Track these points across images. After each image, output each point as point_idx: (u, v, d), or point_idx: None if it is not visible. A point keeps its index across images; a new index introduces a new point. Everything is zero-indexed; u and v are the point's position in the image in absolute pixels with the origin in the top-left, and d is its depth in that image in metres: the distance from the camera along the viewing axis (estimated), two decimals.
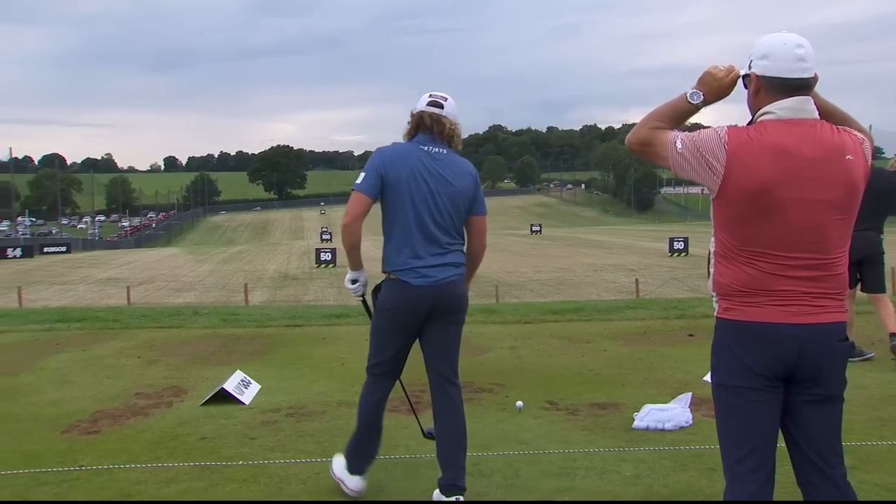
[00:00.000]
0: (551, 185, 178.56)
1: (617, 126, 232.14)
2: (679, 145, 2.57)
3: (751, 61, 2.60)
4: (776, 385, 2.54)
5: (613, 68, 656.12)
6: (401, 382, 4.31)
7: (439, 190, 3.80)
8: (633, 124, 2.92)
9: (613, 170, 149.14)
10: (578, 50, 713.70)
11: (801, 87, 2.53)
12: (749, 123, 2.60)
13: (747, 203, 2.47)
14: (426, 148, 3.85)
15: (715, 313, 2.65)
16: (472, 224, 3.99)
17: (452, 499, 3.80)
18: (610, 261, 37.08)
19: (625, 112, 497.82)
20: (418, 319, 3.93)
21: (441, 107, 3.88)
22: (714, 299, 2.66)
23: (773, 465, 2.58)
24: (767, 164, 2.45)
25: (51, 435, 5.21)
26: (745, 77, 2.64)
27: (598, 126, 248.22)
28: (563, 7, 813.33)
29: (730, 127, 2.57)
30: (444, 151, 3.87)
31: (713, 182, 2.51)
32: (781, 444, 2.63)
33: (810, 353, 2.48)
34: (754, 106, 2.61)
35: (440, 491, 3.83)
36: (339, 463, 4.12)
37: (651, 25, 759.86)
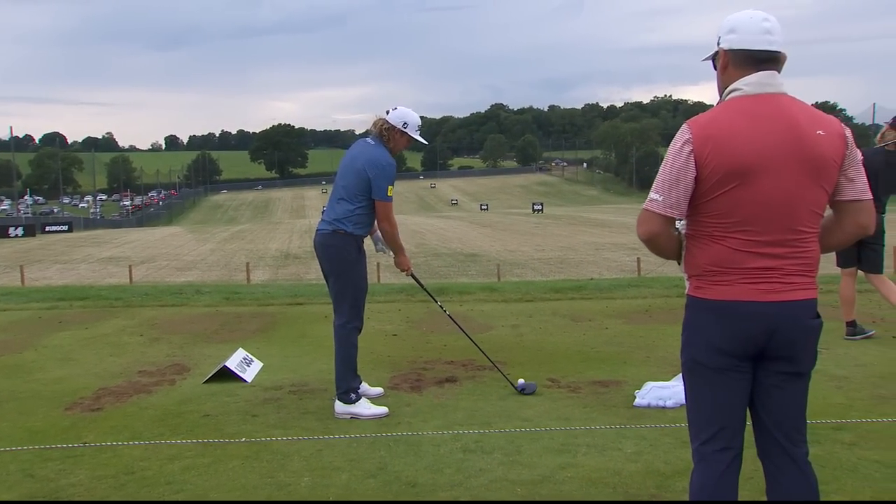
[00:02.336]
0: (553, 164, 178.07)
1: (619, 104, 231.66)
2: (660, 197, 2.51)
3: (719, 38, 2.59)
4: (744, 365, 2.53)
5: (616, 46, 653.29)
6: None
7: (349, 166, 5.11)
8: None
9: (615, 148, 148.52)
10: (581, 27, 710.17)
11: (768, 59, 2.51)
12: (718, 102, 2.60)
13: (720, 182, 2.45)
14: (366, 138, 5.22)
15: (686, 291, 2.64)
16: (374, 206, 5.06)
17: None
18: (612, 239, 37.06)
19: (627, 90, 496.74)
20: (318, 258, 5.25)
21: (388, 113, 5.17)
22: (685, 278, 2.65)
23: (740, 445, 2.59)
24: (737, 143, 2.43)
25: (54, 412, 5.23)
26: (713, 57, 2.64)
27: (601, 104, 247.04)
28: None
29: (692, 121, 2.54)
30: (372, 143, 5.14)
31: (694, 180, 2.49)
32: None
33: (782, 331, 2.47)
34: (722, 83, 2.61)
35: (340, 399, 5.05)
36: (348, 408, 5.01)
37: (654, 2, 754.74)
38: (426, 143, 5.56)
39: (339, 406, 4.98)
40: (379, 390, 5.48)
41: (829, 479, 3.70)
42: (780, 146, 2.44)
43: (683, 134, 2.51)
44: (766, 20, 2.51)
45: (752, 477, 3.35)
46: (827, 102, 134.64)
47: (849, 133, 2.54)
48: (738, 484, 2.61)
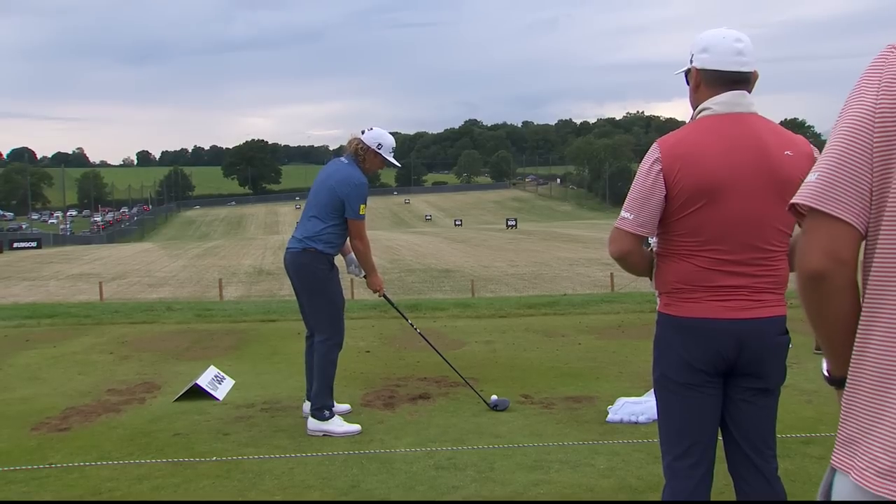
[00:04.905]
0: (527, 180, 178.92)
1: (592, 121, 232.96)
2: (630, 216, 2.54)
3: (692, 56, 2.62)
4: (715, 380, 2.55)
5: (590, 63, 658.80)
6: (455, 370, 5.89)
7: (322, 184, 5.13)
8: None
9: (588, 164, 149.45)
10: (555, 44, 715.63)
11: (739, 80, 2.55)
12: (691, 119, 2.64)
13: (688, 201, 2.49)
14: (340, 158, 5.26)
15: (657, 308, 2.67)
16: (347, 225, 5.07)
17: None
18: (585, 255, 37.21)
19: (600, 107, 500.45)
20: (290, 276, 5.20)
21: (363, 133, 5.20)
22: (656, 295, 2.68)
23: (712, 461, 2.61)
24: (705, 163, 2.47)
25: (20, 432, 5.14)
26: (686, 72, 2.67)
27: (574, 121, 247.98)
28: (540, 1, 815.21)
29: (661, 140, 2.58)
30: (345, 161, 5.17)
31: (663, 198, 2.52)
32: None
33: (750, 347, 2.50)
34: (695, 101, 2.64)
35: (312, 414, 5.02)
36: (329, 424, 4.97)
37: (628, 20, 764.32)
38: (399, 165, 5.61)
39: (312, 423, 4.94)
40: (346, 407, 5.45)
41: (799, 494, 3.73)
42: (748, 165, 2.47)
43: (653, 153, 2.54)
44: (739, 41, 2.54)
45: (723, 492, 3.36)
46: (796, 119, 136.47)
47: (817, 153, 2.57)
48: (710, 499, 2.63)
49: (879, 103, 1.37)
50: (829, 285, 1.39)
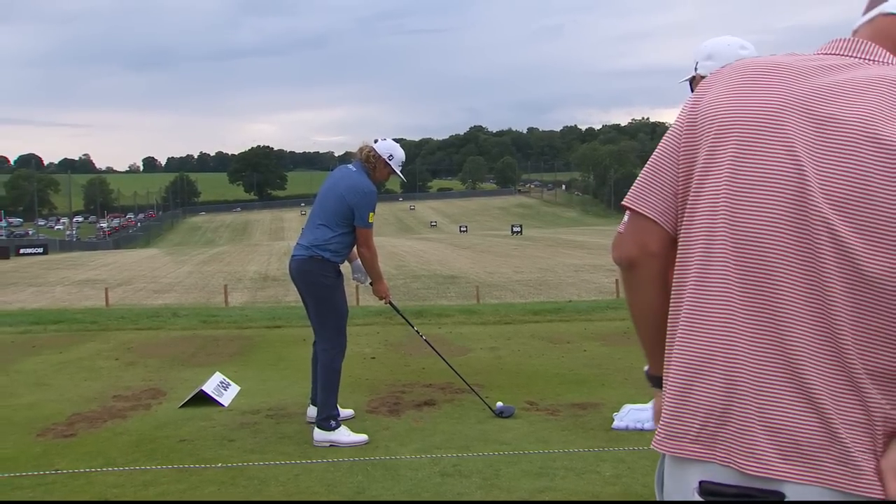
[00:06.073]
0: (531, 186, 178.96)
1: (597, 127, 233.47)
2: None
3: (696, 63, 2.63)
4: None
5: (594, 69, 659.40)
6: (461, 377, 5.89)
7: (330, 191, 5.12)
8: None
9: (594, 170, 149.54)
10: (560, 50, 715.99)
11: None
12: None
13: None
14: (347, 165, 5.27)
15: None
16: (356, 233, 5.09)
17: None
18: (590, 261, 37.15)
19: (605, 113, 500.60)
20: (295, 284, 5.20)
21: (376, 142, 5.27)
22: None
23: None
24: None
25: (26, 438, 5.15)
26: (691, 80, 2.68)
27: (579, 127, 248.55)
28: (546, 8, 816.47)
29: None
30: (353, 169, 5.18)
31: None
32: None
33: None
34: None
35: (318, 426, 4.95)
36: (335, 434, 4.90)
37: (633, 26, 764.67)
38: (405, 179, 5.69)
39: (318, 433, 4.91)
40: (350, 412, 5.45)
41: None
42: None
43: None
44: (744, 48, 2.56)
45: None
46: None
47: None
48: None
49: (687, 118, 1.49)
50: (639, 274, 1.54)
